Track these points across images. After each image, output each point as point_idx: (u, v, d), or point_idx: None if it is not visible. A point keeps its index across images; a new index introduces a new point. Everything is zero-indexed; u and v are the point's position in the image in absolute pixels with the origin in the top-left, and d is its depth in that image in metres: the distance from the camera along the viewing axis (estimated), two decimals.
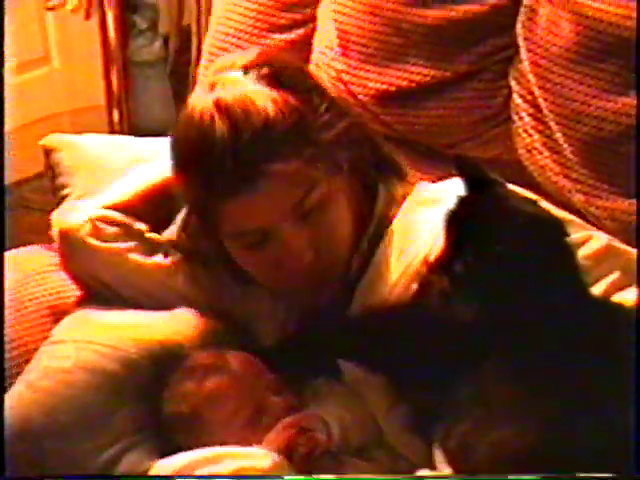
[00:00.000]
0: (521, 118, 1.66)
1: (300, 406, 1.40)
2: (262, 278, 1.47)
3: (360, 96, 1.76)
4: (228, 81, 1.39)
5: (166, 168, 1.57)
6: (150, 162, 1.71)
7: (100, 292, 1.55)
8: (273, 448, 1.33)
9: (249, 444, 1.35)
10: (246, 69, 1.40)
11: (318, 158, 1.37)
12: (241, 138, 1.33)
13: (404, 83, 1.73)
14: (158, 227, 1.59)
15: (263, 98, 1.36)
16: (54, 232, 1.57)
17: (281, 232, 1.39)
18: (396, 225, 1.47)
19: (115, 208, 1.57)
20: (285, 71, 1.42)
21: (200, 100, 1.39)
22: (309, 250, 1.39)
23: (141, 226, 1.56)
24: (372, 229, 1.46)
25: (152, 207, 1.58)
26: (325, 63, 1.80)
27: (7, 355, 1.52)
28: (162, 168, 1.59)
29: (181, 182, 1.43)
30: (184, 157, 1.41)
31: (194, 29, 2.66)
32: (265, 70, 1.40)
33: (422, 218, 1.45)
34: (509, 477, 1.17)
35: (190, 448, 1.34)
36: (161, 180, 1.58)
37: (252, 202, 1.36)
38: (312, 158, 1.37)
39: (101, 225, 1.54)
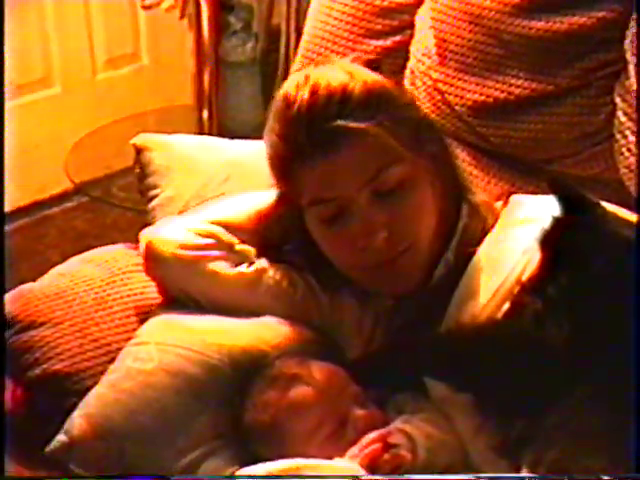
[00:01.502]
0: (625, 137, 1.63)
1: (386, 421, 1.38)
2: (337, 258, 1.46)
3: (457, 107, 1.74)
4: (322, 64, 1.47)
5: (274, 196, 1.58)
6: (242, 166, 1.73)
7: (182, 300, 1.55)
8: (356, 463, 1.31)
9: (331, 458, 1.34)
10: None
11: (399, 131, 1.39)
12: (319, 97, 1.37)
13: (503, 95, 1.71)
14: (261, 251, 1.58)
15: (353, 71, 1.41)
16: (142, 244, 1.57)
17: (356, 206, 1.39)
18: (489, 242, 1.45)
19: (219, 224, 1.56)
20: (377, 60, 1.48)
21: (295, 76, 1.45)
22: (383, 230, 1.39)
23: (233, 239, 1.55)
24: (457, 240, 1.46)
25: (254, 231, 1.57)
26: (422, 71, 1.79)
27: (91, 354, 1.54)
28: (271, 196, 1.60)
29: (270, 151, 1.45)
30: (273, 126, 1.43)
31: (283, 28, 2.66)
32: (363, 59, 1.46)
33: (516, 237, 1.43)
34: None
35: (270, 458, 1.34)
36: (268, 207, 1.58)
37: (330, 167, 1.38)
38: (392, 129, 1.38)
39: (195, 237, 1.54)
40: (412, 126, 1.42)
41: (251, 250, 1.56)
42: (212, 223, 1.55)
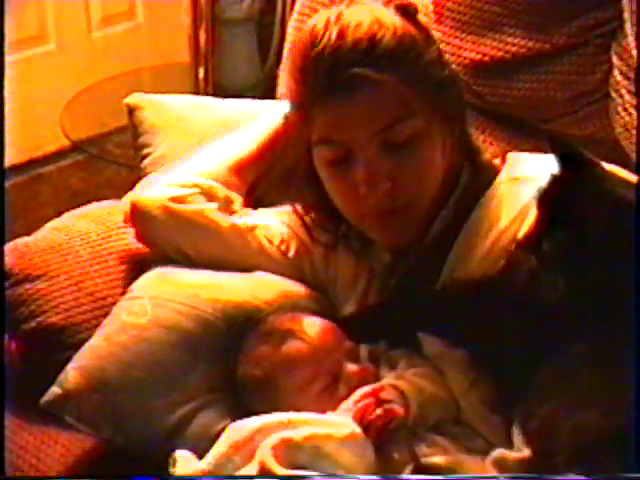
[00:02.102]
0: (621, 95, 1.63)
1: (378, 377, 1.39)
2: (339, 201, 1.46)
3: (453, 65, 1.73)
4: (355, 2, 1.44)
5: (252, 137, 1.59)
6: (235, 126, 1.73)
7: (175, 259, 1.55)
8: (349, 417, 1.33)
9: (323, 412, 1.35)
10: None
11: (419, 87, 1.38)
12: (345, 42, 1.37)
13: (499, 54, 1.71)
14: (244, 197, 1.60)
15: (384, 17, 1.40)
16: (126, 206, 1.57)
17: (364, 153, 1.39)
18: (487, 200, 1.46)
19: (202, 176, 1.57)
20: (412, 8, 1.44)
21: (326, 12, 1.44)
22: (387, 181, 1.39)
23: (216, 186, 1.56)
24: (456, 197, 1.46)
25: (237, 177, 1.59)
26: None
27: (86, 307, 1.55)
28: (249, 138, 1.60)
29: (290, 82, 1.44)
30: (295, 58, 1.42)
31: None
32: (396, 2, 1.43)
33: (514, 194, 1.44)
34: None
35: (263, 412, 1.34)
36: (248, 151, 1.59)
37: (344, 110, 1.37)
38: (412, 84, 1.38)
39: (179, 189, 1.55)
40: (434, 84, 1.41)
41: (236, 197, 1.57)
42: (194, 175, 1.56)
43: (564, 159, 1.29)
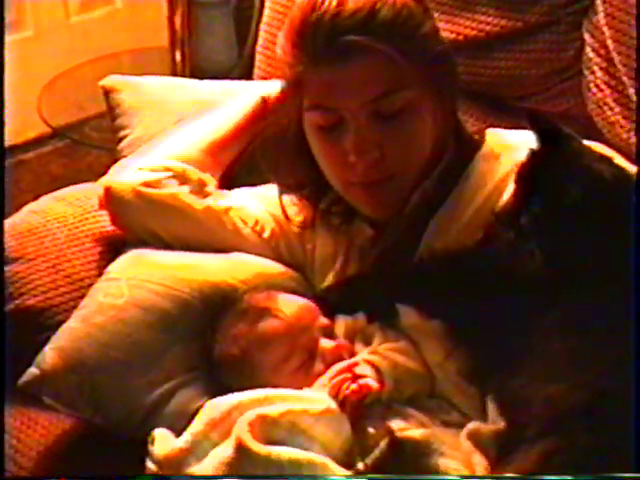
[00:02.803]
0: (593, 72, 1.64)
1: (354, 352, 1.41)
2: (327, 168, 1.47)
3: None
4: None
5: (226, 119, 1.59)
6: (212, 106, 1.74)
7: (150, 243, 1.56)
8: (324, 393, 1.34)
9: (300, 388, 1.36)
10: None
11: (414, 59, 1.39)
12: (345, 9, 1.37)
13: (473, 32, 1.72)
14: (218, 180, 1.61)
15: None
16: (100, 191, 1.58)
17: (356, 121, 1.39)
18: (467, 175, 1.47)
19: (171, 159, 1.58)
20: None
21: None
22: (376, 150, 1.40)
23: (189, 168, 1.57)
24: (439, 171, 1.46)
25: (211, 159, 1.60)
26: None
27: (63, 289, 1.56)
28: (222, 119, 1.60)
29: (286, 45, 1.44)
30: (294, 21, 1.42)
31: None
32: None
33: (493, 169, 1.45)
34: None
35: (241, 389, 1.36)
36: (222, 132, 1.60)
37: (339, 76, 1.38)
38: (407, 55, 1.39)
39: (151, 173, 1.56)
40: (428, 57, 1.43)
41: (209, 179, 1.58)
42: (165, 158, 1.57)
43: (542, 134, 1.30)
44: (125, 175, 1.58)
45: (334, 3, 1.38)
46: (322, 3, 1.39)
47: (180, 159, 1.58)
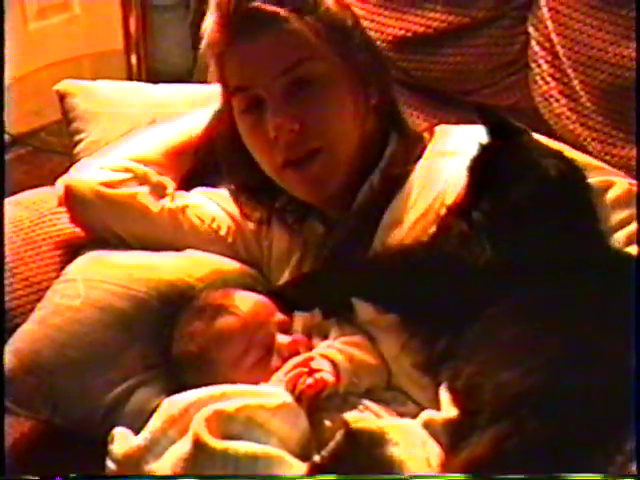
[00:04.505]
0: (539, 65, 1.65)
1: (311, 347, 1.40)
2: (257, 154, 1.46)
3: (378, 42, 1.75)
4: None
5: (191, 124, 1.60)
6: (167, 109, 1.74)
7: (108, 240, 1.57)
8: (281, 387, 1.34)
9: (257, 384, 1.36)
10: None
11: (322, 32, 1.41)
12: None
13: (421, 29, 1.73)
14: (178, 184, 1.61)
15: None
16: (60, 189, 1.57)
17: (270, 97, 1.40)
18: (417, 171, 1.47)
19: (131, 160, 1.58)
20: None
21: None
22: (294, 122, 1.40)
23: (148, 171, 1.56)
24: (383, 164, 1.47)
25: (172, 163, 1.60)
26: None
27: (20, 292, 1.55)
28: (185, 126, 1.60)
29: (212, 29, 1.45)
30: (211, 16, 1.44)
31: None
32: None
33: (445, 165, 1.45)
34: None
35: (199, 386, 1.35)
36: (183, 138, 1.60)
37: (249, 53, 1.40)
38: (315, 27, 1.40)
39: (112, 174, 1.55)
40: (341, 31, 1.44)
41: (168, 181, 1.58)
42: (126, 159, 1.57)
43: (492, 129, 1.31)
44: (86, 173, 1.57)
45: None
46: None
47: (141, 160, 1.57)
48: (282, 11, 1.39)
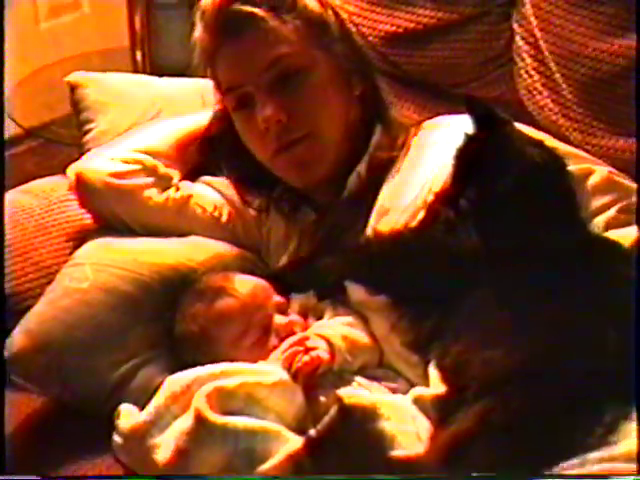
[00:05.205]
0: (523, 59, 1.65)
1: (306, 327, 1.40)
2: (253, 146, 1.49)
3: (370, 37, 1.75)
4: None
5: (198, 120, 1.59)
6: (170, 100, 1.73)
7: (116, 226, 1.56)
8: (278, 365, 1.33)
9: (256, 362, 1.35)
10: None
11: (303, 28, 1.44)
12: None
13: (412, 25, 1.72)
14: (183, 174, 1.60)
15: None
16: (71, 176, 1.56)
17: (259, 91, 1.43)
18: (406, 161, 1.46)
19: (141, 152, 1.57)
20: None
21: None
22: (282, 112, 1.42)
23: (157, 163, 1.56)
24: (369, 154, 1.47)
25: (178, 155, 1.59)
26: (337, 5, 1.76)
27: (32, 276, 1.54)
28: (191, 121, 1.60)
29: (200, 39, 1.49)
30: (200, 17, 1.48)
31: None
32: None
33: (431, 155, 1.44)
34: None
35: (200, 365, 1.34)
36: (189, 132, 1.59)
37: (234, 54, 1.44)
38: (293, 24, 1.44)
39: (122, 165, 1.54)
40: (320, 26, 1.46)
41: (175, 173, 1.57)
42: (136, 151, 1.56)
43: (479, 119, 1.30)
44: (97, 163, 1.56)
45: None
46: None
47: (150, 152, 1.56)
48: (259, 11, 1.42)
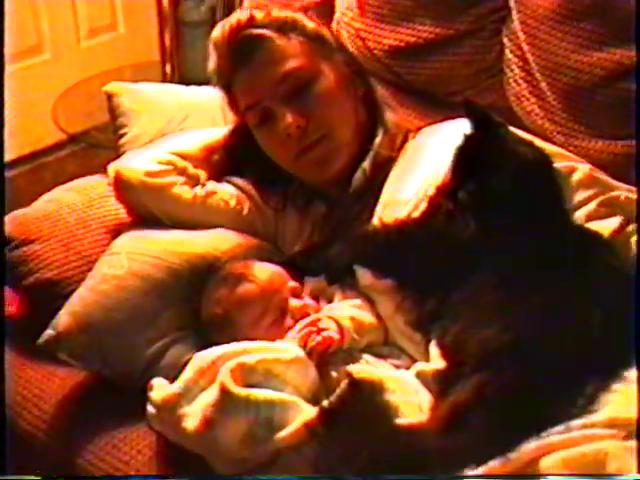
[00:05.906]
0: (512, 70, 1.63)
1: (318, 310, 1.39)
2: (275, 154, 1.49)
3: (375, 51, 1.74)
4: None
5: (222, 131, 1.60)
6: (196, 107, 1.72)
7: (149, 220, 1.54)
8: (294, 344, 1.32)
9: (273, 341, 1.34)
10: None
11: (308, 45, 1.46)
12: (241, 18, 1.46)
13: (413, 39, 1.71)
14: (210, 175, 1.58)
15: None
16: (111, 173, 1.55)
17: (276, 106, 1.44)
18: (408, 158, 1.46)
19: (173, 154, 1.55)
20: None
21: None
22: (301, 119, 1.43)
23: (187, 164, 1.54)
24: (372, 153, 1.48)
25: (203, 159, 1.57)
26: (345, 22, 1.78)
27: (74, 264, 1.53)
28: (219, 130, 1.60)
29: (215, 67, 1.50)
30: (213, 55, 1.50)
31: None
32: None
33: (432, 153, 1.43)
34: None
35: (224, 343, 1.32)
36: (216, 140, 1.58)
37: (249, 75, 1.45)
38: (301, 42, 1.46)
39: (156, 165, 1.53)
40: (320, 41, 1.48)
41: (202, 173, 1.56)
42: (170, 153, 1.55)
43: (476, 122, 1.30)
44: (134, 162, 1.55)
45: (234, 20, 1.46)
46: (224, 24, 1.47)
47: (182, 155, 1.55)
48: (267, 32, 1.44)
